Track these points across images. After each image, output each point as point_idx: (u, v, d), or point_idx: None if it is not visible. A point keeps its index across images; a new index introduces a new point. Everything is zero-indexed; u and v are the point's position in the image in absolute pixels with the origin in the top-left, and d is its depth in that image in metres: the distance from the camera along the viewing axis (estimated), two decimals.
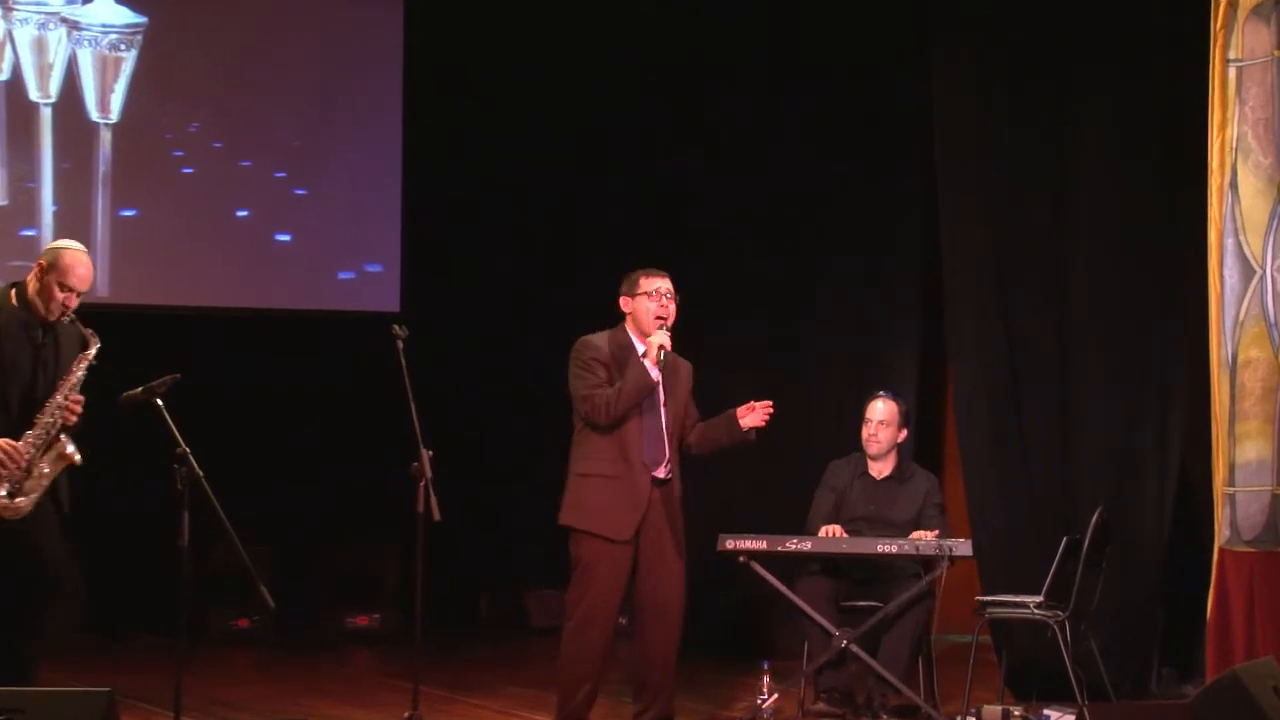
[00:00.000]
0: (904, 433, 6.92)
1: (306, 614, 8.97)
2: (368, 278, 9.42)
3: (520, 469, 9.01)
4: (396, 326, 5.69)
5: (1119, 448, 7.10)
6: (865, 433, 6.88)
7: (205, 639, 8.60)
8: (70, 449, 5.45)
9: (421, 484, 5.50)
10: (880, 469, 6.89)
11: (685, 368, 5.99)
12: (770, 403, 5.82)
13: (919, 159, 8.08)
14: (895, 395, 6.97)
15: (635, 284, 5.89)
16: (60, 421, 5.43)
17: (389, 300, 9.33)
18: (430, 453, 5.49)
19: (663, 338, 5.76)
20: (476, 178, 9.52)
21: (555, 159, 9.40)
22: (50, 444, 5.42)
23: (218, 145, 9.17)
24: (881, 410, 6.87)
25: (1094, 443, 7.16)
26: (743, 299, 8.78)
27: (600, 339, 5.86)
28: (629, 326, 5.90)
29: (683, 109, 9.02)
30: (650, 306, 5.83)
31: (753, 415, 5.81)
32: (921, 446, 7.99)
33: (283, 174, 9.32)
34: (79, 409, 5.46)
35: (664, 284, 5.87)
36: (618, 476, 5.74)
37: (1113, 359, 7.17)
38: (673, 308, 5.86)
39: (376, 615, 9.09)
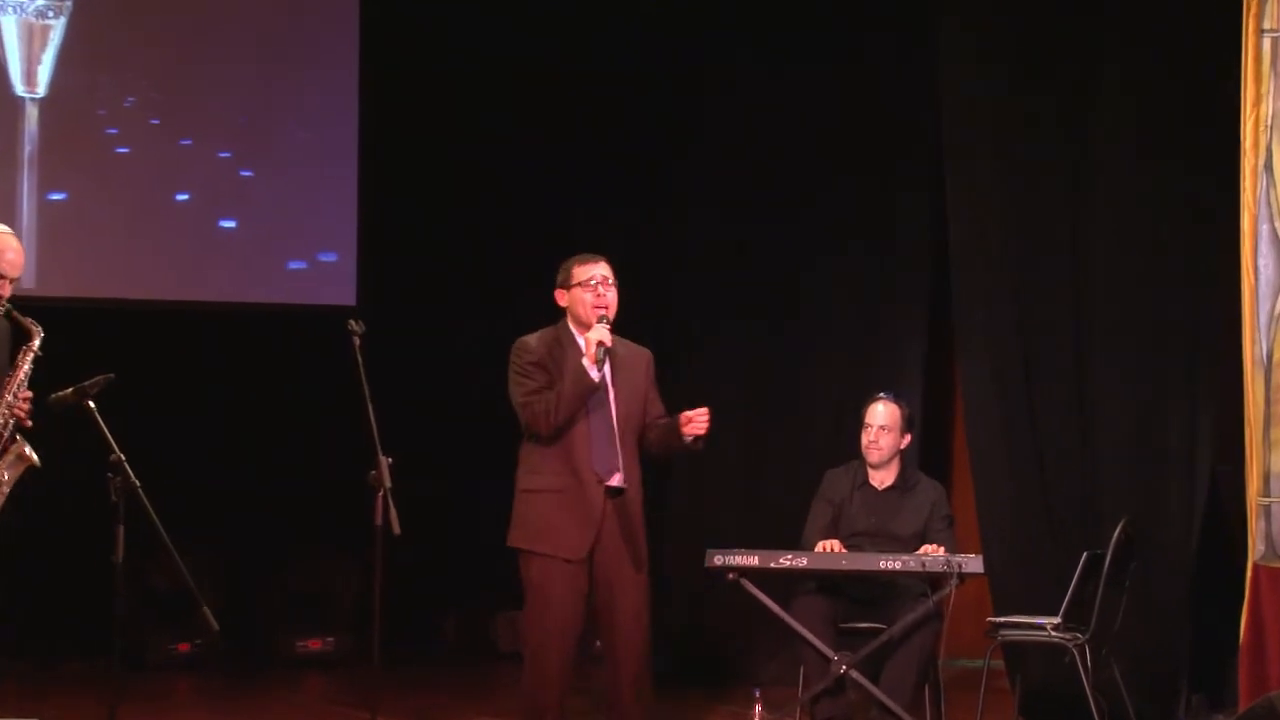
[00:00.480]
0: (907, 438, 6.90)
1: (254, 637, 8.98)
2: (321, 268, 9.41)
3: (489, 479, 8.92)
4: (353, 321, 5.63)
5: (1143, 454, 7.12)
6: (865, 439, 6.86)
7: (142, 665, 8.58)
8: (28, 450, 5.46)
9: (380, 494, 5.44)
10: (882, 478, 6.88)
11: (642, 358, 5.92)
12: (706, 410, 5.72)
13: (924, 145, 8.13)
14: (897, 398, 6.94)
15: (569, 274, 5.81)
16: (12, 422, 5.45)
17: (344, 293, 9.33)
18: (390, 460, 5.45)
19: (601, 333, 5.67)
20: (442, 159, 9.49)
21: (530, 142, 9.39)
22: (4, 448, 5.44)
23: (155, 122, 9.15)
24: (882, 414, 6.84)
25: (1116, 449, 7.18)
26: (733, 296, 8.80)
27: (535, 339, 5.79)
28: (569, 321, 5.82)
29: (671, 91, 9.02)
30: (586, 298, 5.74)
31: (691, 425, 5.71)
32: (927, 453, 8.00)
33: (227, 154, 9.31)
34: (29, 406, 5.47)
35: (600, 270, 5.78)
36: (566, 490, 5.69)
37: (1136, 357, 7.18)
38: (612, 295, 5.76)
39: (331, 638, 9.09)
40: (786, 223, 8.73)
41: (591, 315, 5.72)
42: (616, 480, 5.74)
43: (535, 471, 5.76)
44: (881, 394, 6.94)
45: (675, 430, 5.76)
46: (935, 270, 8.23)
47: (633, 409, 5.83)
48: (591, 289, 5.75)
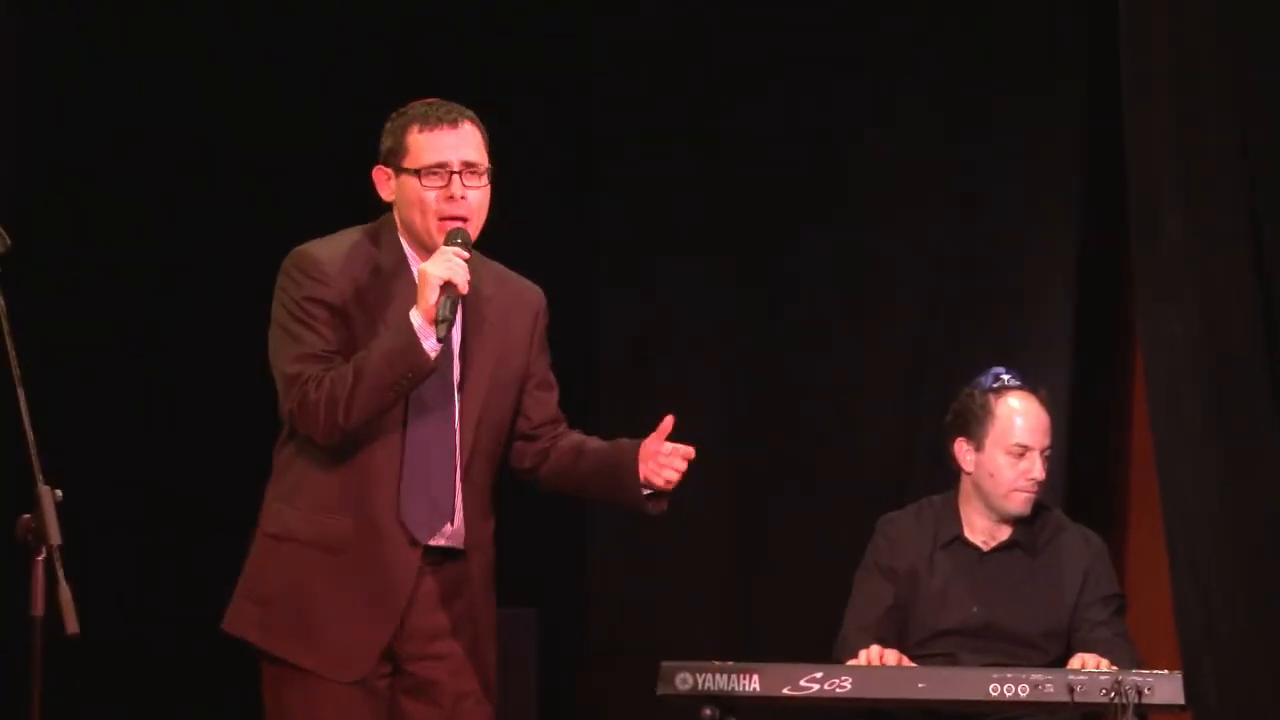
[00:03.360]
0: None
1: None
2: None
3: (234, 522, 8.83)
4: None
5: None
6: (1006, 475, 7.18)
7: None
8: None
9: (39, 559, 5.25)
10: (991, 531, 7.27)
11: (527, 308, 6.00)
12: (690, 451, 5.76)
13: None
14: (1037, 388, 7.36)
15: (401, 144, 5.80)
16: None
17: None
18: (59, 493, 5.30)
19: (451, 267, 5.58)
20: None
21: None
22: None
23: None
24: (1044, 424, 7.17)
25: None
26: (720, 235, 9.26)
27: (333, 251, 5.80)
28: (399, 229, 5.86)
29: None
30: (428, 199, 5.74)
31: (658, 466, 5.77)
32: (1073, 484, 8.30)
33: None
34: None
35: (456, 146, 5.76)
36: (346, 547, 5.73)
37: None
38: (476, 197, 5.75)
39: None
40: (807, 98, 9.16)
41: (435, 231, 5.72)
42: (447, 537, 5.81)
43: (293, 501, 5.79)
44: (1015, 380, 7.27)
45: (614, 474, 5.84)
46: (1091, 183, 8.59)
47: (497, 412, 5.90)
48: (439, 182, 5.70)
